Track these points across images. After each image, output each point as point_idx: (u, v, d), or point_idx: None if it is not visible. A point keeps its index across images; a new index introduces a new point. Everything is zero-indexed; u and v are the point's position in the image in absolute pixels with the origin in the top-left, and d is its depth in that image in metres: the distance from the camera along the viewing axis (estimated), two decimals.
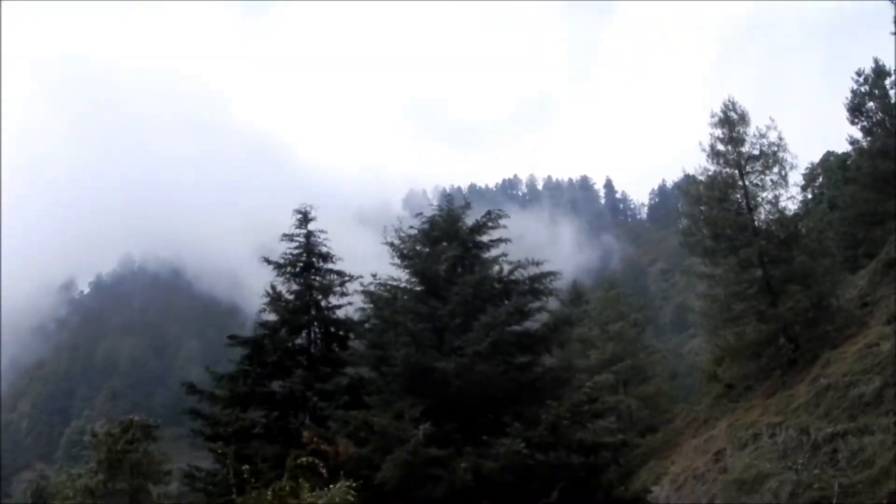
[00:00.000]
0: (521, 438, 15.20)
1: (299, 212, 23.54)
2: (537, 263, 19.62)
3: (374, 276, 19.68)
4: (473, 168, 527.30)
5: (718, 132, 36.05)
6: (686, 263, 39.91)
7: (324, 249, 23.54)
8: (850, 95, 46.53)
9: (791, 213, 35.76)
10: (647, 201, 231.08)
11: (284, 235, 23.44)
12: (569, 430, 16.69)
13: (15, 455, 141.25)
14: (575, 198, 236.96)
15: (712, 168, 36.14)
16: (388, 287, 19.29)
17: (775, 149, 34.86)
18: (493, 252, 20.59)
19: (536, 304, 19.70)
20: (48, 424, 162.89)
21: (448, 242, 19.43)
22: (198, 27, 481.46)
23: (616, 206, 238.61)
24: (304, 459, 12.92)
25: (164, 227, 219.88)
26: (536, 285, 19.90)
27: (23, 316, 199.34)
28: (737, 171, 35.47)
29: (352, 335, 22.45)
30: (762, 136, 35.18)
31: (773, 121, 35.29)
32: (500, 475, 15.17)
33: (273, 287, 22.67)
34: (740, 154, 35.41)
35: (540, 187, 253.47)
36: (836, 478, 21.55)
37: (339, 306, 23.16)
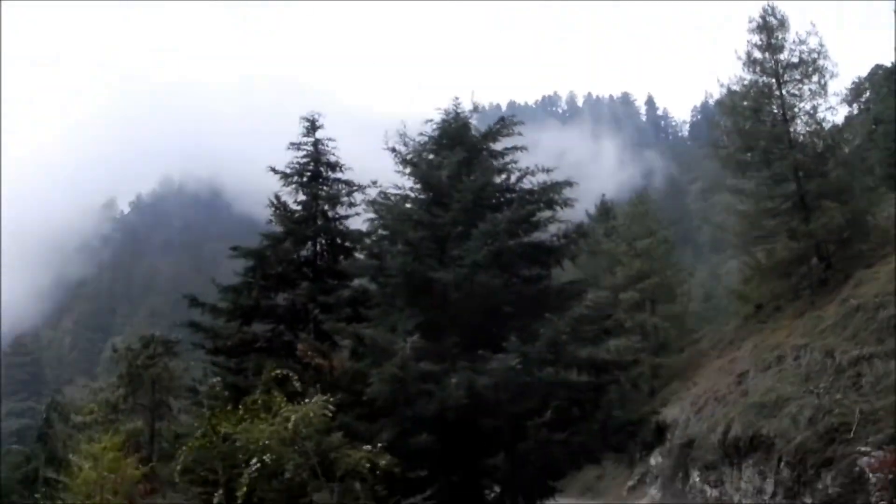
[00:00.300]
0: (518, 354, 14.48)
1: (307, 119, 22.70)
2: (548, 171, 18.62)
3: (374, 182, 18.85)
4: (512, 84, 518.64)
5: (756, 38, 34.17)
6: (718, 178, 38.37)
7: (332, 158, 22.74)
8: None
9: (830, 124, 33.89)
10: (688, 118, 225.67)
11: (292, 144, 22.66)
12: (570, 347, 15.94)
13: (58, 370, 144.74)
14: (616, 114, 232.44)
15: (748, 77, 34.38)
16: (391, 196, 18.44)
17: (815, 56, 33.02)
18: (507, 160, 19.70)
19: (547, 214, 18.79)
20: (90, 341, 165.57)
21: (454, 148, 18.45)
22: None
23: (658, 124, 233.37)
24: (279, 372, 12.44)
25: (202, 149, 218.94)
26: (550, 195, 18.97)
27: (67, 234, 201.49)
28: (774, 80, 33.66)
29: (358, 247, 21.80)
30: (801, 42, 33.31)
31: (813, 26, 33.40)
32: (495, 392, 14.49)
33: (277, 197, 21.97)
34: (778, 62, 33.56)
35: (580, 104, 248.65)
36: (858, 403, 20.49)
37: (347, 217, 22.48)
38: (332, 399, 11.91)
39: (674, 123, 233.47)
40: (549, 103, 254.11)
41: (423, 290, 16.32)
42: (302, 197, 22.42)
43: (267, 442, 11.05)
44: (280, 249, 21.52)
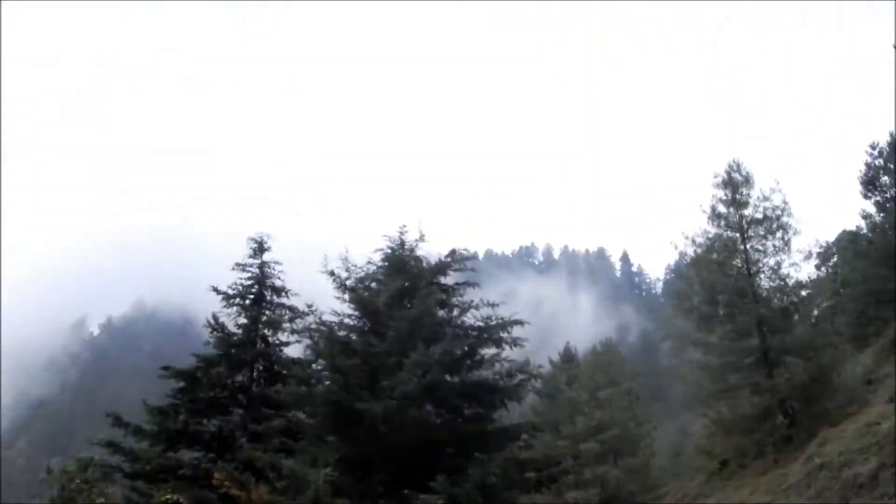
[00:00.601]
0: (446, 496, 13.33)
1: (254, 240, 22.09)
2: (493, 305, 17.88)
3: (309, 306, 18.03)
4: (490, 235, 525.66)
5: (721, 193, 34.57)
6: (687, 336, 37.83)
7: (277, 282, 22.01)
8: (863, 169, 45.00)
9: (794, 280, 33.82)
10: (662, 276, 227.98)
11: (237, 265, 21.96)
12: (506, 493, 14.79)
13: (8, 493, 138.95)
14: (592, 267, 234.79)
15: (713, 230, 34.57)
16: (326, 322, 17.59)
17: (779, 213, 33.33)
18: (457, 296, 19.01)
19: (492, 352, 17.94)
20: (45, 463, 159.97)
21: (397, 277, 17.76)
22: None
23: (632, 280, 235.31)
24: (169, 497, 11.33)
25: (176, 275, 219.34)
26: (499, 333, 18.17)
27: (35, 351, 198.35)
28: (738, 235, 33.86)
29: (296, 375, 20.82)
30: (766, 198, 33.65)
31: (777, 183, 33.82)
32: None
33: (215, 317, 21.07)
34: (742, 217, 33.85)
35: (556, 256, 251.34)
36: None
37: (288, 344, 21.57)
38: None
39: (648, 280, 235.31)
40: (526, 254, 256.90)
41: (352, 421, 15.26)
42: (243, 320, 21.51)
43: None
44: (213, 373, 20.42)
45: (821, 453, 26.45)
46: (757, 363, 32.46)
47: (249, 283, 21.86)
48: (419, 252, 18.66)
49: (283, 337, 21.72)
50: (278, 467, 14.56)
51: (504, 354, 18.30)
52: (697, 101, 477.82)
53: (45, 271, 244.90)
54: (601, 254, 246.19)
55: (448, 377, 16.55)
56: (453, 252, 19.50)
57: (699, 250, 34.83)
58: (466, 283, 19.22)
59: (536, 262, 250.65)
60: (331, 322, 17.46)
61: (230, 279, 21.85)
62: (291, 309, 21.60)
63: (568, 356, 45.57)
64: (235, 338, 21.11)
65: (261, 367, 21.32)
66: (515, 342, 18.57)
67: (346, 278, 17.61)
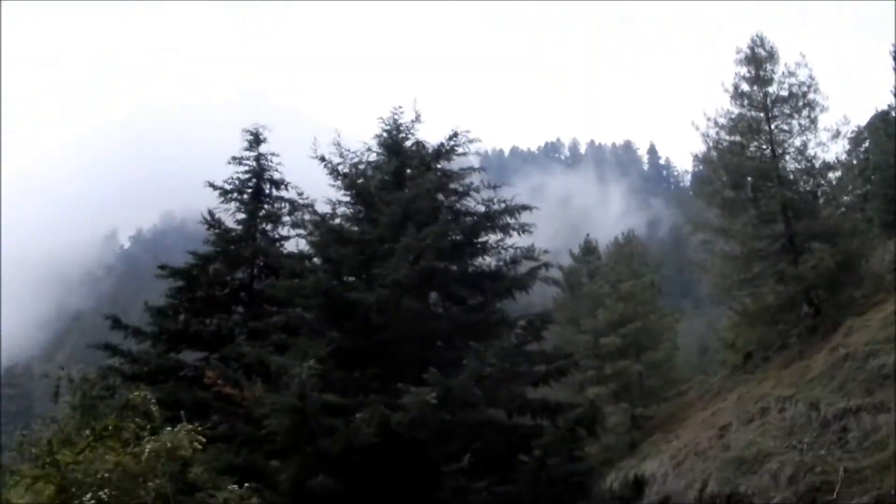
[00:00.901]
0: (439, 388, 12.61)
1: (250, 132, 21.08)
2: (494, 187, 16.91)
3: (300, 195, 17.14)
4: (515, 131, 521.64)
5: (743, 70, 32.53)
6: (698, 214, 36.52)
7: (276, 175, 21.10)
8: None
9: (821, 162, 32.20)
10: (690, 168, 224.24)
11: (233, 158, 21.05)
12: (509, 385, 14.06)
13: (47, 404, 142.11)
14: (619, 161, 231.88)
15: (735, 110, 32.69)
16: (319, 213, 16.70)
17: (805, 89, 31.45)
18: (467, 181, 18.06)
19: (495, 238, 17.07)
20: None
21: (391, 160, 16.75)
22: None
23: (660, 172, 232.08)
24: (137, 394, 10.70)
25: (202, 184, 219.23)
26: (503, 218, 17.25)
27: (71, 264, 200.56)
28: (762, 114, 32.10)
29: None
30: (791, 74, 31.75)
31: (803, 57, 31.86)
32: (410, 431, 12.59)
33: (211, 213, 20.25)
34: (766, 94, 32.03)
35: (583, 151, 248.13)
36: (843, 461, 18.84)
37: (288, 238, 20.81)
38: (203, 428, 10.06)
39: (676, 173, 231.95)
40: (552, 149, 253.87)
41: (345, 313, 14.53)
42: (241, 215, 20.67)
43: (107, 475, 9.22)
44: (211, 270, 19.70)
45: (846, 343, 25.62)
46: (782, 250, 31.17)
47: (246, 176, 20.99)
48: (418, 135, 17.67)
49: (283, 231, 20.90)
50: (267, 363, 13.91)
51: (514, 241, 17.51)
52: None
53: (74, 186, 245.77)
54: (628, 147, 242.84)
55: (447, 264, 15.75)
56: (455, 134, 18.46)
57: (722, 132, 33.20)
58: (471, 168, 18.31)
59: (562, 158, 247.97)
60: (324, 212, 16.62)
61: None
62: (291, 202, 20.75)
63: (589, 248, 44.37)
64: (233, 234, 20.33)
65: (261, 264, 20.60)
66: (523, 228, 17.74)
67: (339, 164, 16.67)
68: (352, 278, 14.94)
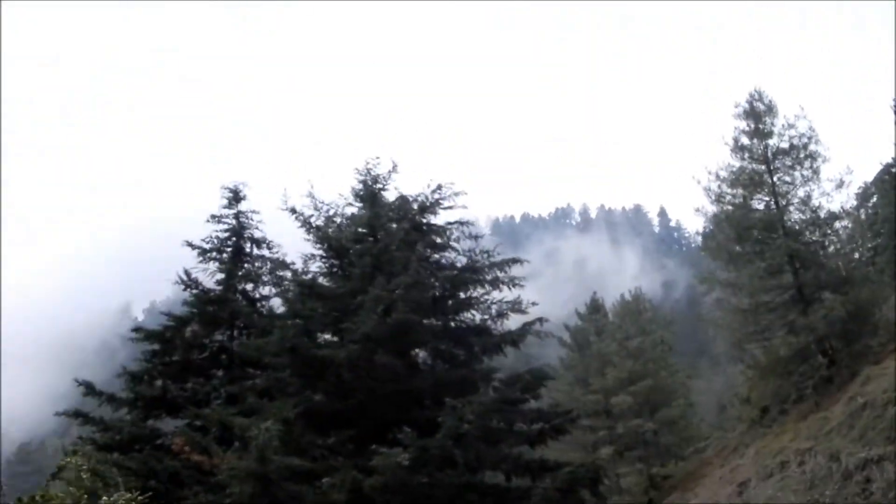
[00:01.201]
0: (415, 448, 11.63)
1: (229, 189, 20.45)
2: (476, 237, 16.14)
3: (270, 248, 16.35)
4: (524, 199, 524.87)
5: (743, 124, 32.18)
6: (707, 270, 35.83)
7: (257, 233, 20.39)
8: None
9: (825, 211, 31.50)
10: (701, 229, 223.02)
11: (212, 217, 20.38)
12: (478, 443, 13.03)
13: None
14: (631, 225, 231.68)
15: (736, 164, 32.21)
16: (292, 268, 15.91)
17: (806, 140, 30.94)
18: (453, 234, 17.29)
19: (481, 292, 16.19)
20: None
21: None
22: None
23: (671, 235, 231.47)
24: (69, 460, 9.86)
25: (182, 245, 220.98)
26: (491, 272, 16.42)
27: (86, 337, 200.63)
28: (764, 167, 31.55)
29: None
30: (791, 126, 31.30)
31: (802, 109, 31.43)
32: (383, 496, 11.57)
33: (187, 273, 19.46)
34: (767, 147, 31.55)
35: (593, 216, 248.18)
36: None
37: (269, 297, 19.98)
38: (138, 496, 9.16)
39: (687, 235, 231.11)
40: (562, 215, 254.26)
41: (317, 372, 13.60)
42: (220, 275, 19.91)
43: None
44: (188, 332, 18.86)
45: (863, 392, 24.68)
46: (791, 301, 30.38)
47: (226, 235, 20.28)
48: (395, 185, 16.95)
49: (265, 291, 20.09)
50: (230, 426, 12.98)
51: (503, 296, 16.65)
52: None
53: (87, 263, 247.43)
54: (638, 210, 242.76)
55: (429, 319, 14.87)
56: (440, 187, 17.76)
57: (724, 185, 32.60)
58: (460, 223, 17.57)
59: (573, 223, 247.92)
60: (297, 267, 15.86)
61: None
62: (273, 261, 19.93)
63: (595, 307, 43.58)
64: (212, 294, 19.51)
65: (241, 325, 19.69)
66: (513, 282, 16.90)
67: (311, 216, 15.95)
68: (325, 336, 14.07)
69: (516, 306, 16.48)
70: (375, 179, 16.65)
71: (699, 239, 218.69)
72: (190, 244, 19.94)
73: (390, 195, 17.58)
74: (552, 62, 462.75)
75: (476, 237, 16.35)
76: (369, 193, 16.24)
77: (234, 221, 20.26)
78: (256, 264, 20.01)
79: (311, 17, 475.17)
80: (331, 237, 15.54)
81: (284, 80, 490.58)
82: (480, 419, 12.92)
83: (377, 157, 16.67)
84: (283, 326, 14.23)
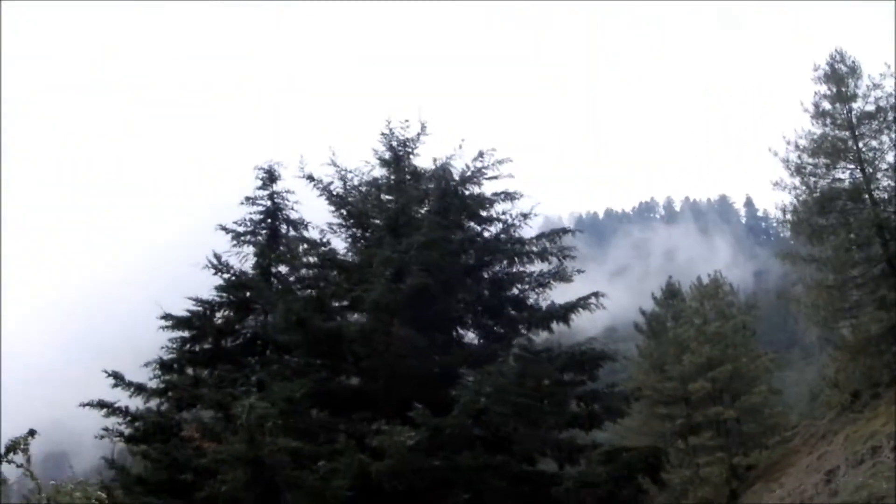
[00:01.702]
0: (428, 428, 10.36)
1: (263, 169, 19.47)
2: (525, 216, 14.69)
3: (306, 228, 15.21)
4: (608, 194, 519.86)
5: (823, 88, 30.16)
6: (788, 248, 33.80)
7: (293, 214, 19.35)
8: None
9: None
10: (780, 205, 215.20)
11: (246, 199, 19.41)
12: (506, 420, 11.66)
13: None
14: (717, 215, 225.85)
15: (817, 131, 30.16)
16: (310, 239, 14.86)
17: (894, 101, 28.65)
18: (495, 210, 16.03)
19: (535, 268, 14.85)
20: None
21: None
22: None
23: (759, 225, 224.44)
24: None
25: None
26: (539, 244, 15.07)
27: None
28: (847, 133, 29.39)
29: None
30: (876, 86, 29.06)
31: (889, 67, 29.04)
32: (391, 481, 10.33)
33: (218, 257, 18.51)
34: (851, 111, 29.39)
35: (678, 208, 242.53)
36: None
37: (305, 279, 18.89)
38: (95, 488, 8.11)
39: (774, 224, 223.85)
40: (646, 209, 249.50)
41: (329, 347, 12.42)
42: (254, 259, 18.96)
43: None
44: (220, 319, 17.95)
45: None
46: (881, 275, 28.37)
47: (260, 217, 19.30)
48: (423, 150, 15.68)
49: (303, 273, 19.01)
50: (228, 407, 11.92)
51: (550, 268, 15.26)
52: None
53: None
54: (724, 200, 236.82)
55: (462, 293, 13.57)
56: (481, 154, 16.41)
57: (804, 154, 30.47)
58: (506, 194, 16.26)
59: (658, 216, 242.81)
60: (316, 238, 14.82)
61: None
62: (310, 242, 18.84)
63: (671, 291, 41.62)
64: (245, 278, 18.54)
65: None
66: (564, 253, 15.48)
67: (329, 183, 14.82)
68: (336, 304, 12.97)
69: (560, 275, 15.04)
70: (404, 143, 15.40)
71: (787, 227, 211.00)
72: (224, 227, 19.01)
73: (422, 163, 16.46)
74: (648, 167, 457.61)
75: (525, 216, 14.98)
76: (395, 157, 14.98)
77: (268, 202, 19.27)
78: (293, 246, 18.99)
79: (312, 18, 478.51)
80: (350, 203, 14.40)
81: (284, 80, 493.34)
82: (500, 393, 11.51)
83: (406, 120, 15.50)
84: (290, 299, 13.12)
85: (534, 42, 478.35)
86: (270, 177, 19.48)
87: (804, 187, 30.58)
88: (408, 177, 15.07)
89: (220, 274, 18.54)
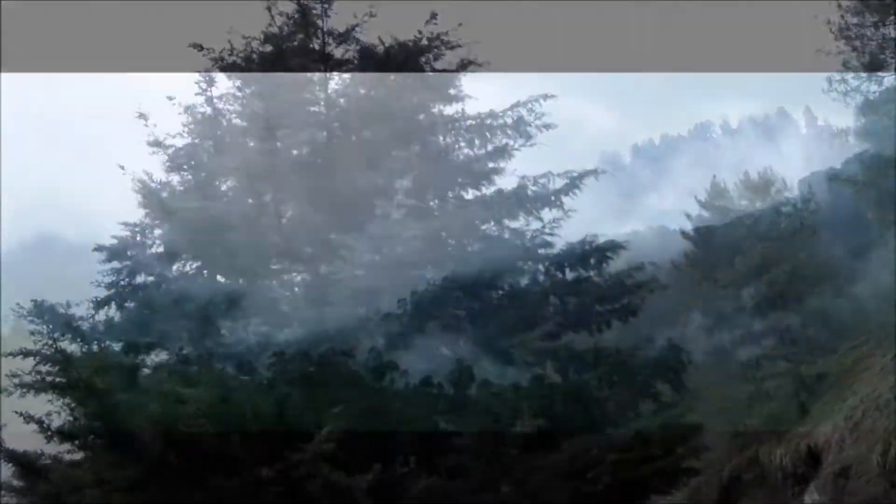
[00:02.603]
0: None
1: None
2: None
3: None
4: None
5: None
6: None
7: None
8: None
9: None
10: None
11: None
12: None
13: None
14: (779, 130, 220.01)
15: None
16: None
17: None
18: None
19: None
20: None
21: None
22: None
23: (820, 135, 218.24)
24: None
25: None
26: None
27: None
28: None
29: None
30: None
31: None
32: None
33: None
34: None
35: (734, 126, 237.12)
36: None
37: None
38: None
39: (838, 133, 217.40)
40: (703, 129, 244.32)
41: None
42: None
43: None
44: None
45: None
46: None
47: None
48: None
49: None
50: None
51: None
52: None
53: None
54: (782, 112, 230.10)
55: None
56: (434, 16, 13.59)
57: (847, 15, 26.66)
58: (471, 62, 13.55)
59: (714, 136, 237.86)
60: None
61: None
62: None
63: (717, 191, 38.53)
64: None
65: None
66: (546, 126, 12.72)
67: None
68: None
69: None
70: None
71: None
72: None
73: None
74: None
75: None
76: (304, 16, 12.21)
77: None
78: None
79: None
80: None
81: None
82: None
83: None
84: None
85: None
86: None
87: (850, 48, 26.85)
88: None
89: None
